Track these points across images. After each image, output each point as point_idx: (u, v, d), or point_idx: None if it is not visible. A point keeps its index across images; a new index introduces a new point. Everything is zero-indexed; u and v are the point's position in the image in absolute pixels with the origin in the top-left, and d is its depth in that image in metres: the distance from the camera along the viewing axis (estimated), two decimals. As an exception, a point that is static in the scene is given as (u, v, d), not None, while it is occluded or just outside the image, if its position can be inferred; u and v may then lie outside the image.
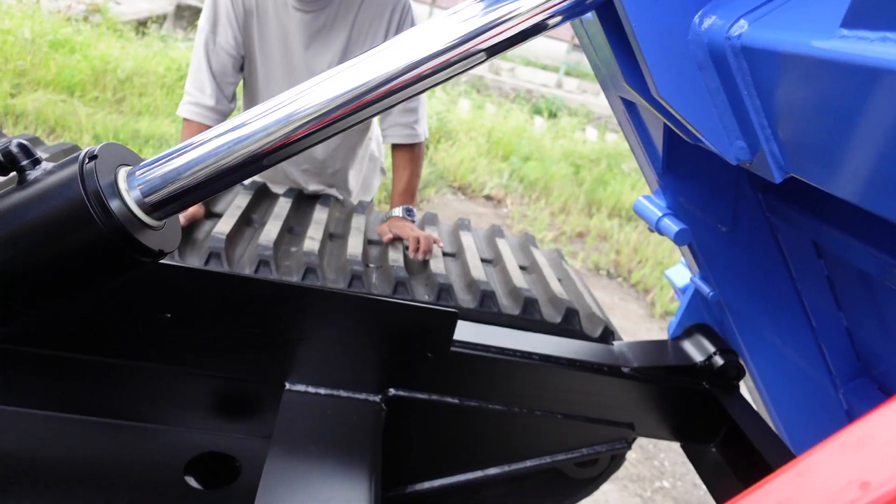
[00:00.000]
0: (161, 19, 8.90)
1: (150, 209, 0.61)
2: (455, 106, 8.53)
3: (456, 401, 1.21)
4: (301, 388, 1.18)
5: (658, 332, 4.48)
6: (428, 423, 1.23)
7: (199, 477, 1.21)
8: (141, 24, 8.13)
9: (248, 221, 1.47)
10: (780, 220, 1.03)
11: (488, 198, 6.14)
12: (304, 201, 1.67)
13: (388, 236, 1.54)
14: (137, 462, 1.18)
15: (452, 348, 1.16)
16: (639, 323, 4.57)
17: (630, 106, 1.05)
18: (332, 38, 1.63)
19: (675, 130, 0.72)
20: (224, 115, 1.66)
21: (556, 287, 1.46)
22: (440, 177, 6.04)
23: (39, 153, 0.63)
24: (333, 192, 1.85)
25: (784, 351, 1.22)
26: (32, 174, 0.60)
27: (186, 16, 9.39)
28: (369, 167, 2.00)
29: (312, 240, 1.38)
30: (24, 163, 0.60)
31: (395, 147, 1.77)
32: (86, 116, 4.79)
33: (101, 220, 0.57)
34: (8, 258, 0.58)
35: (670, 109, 0.62)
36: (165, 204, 0.61)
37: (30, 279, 0.59)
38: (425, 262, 1.47)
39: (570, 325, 1.36)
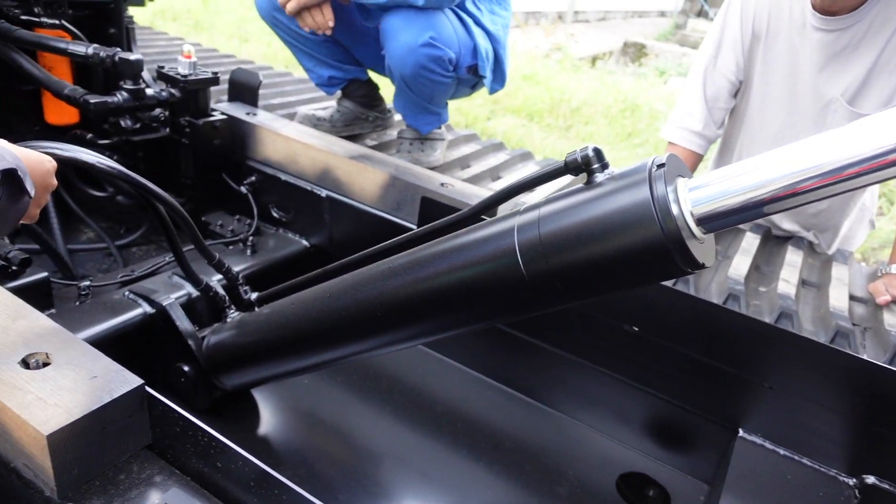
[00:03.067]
0: (608, 55, 9.57)
1: (698, 221, 0.62)
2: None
3: (967, 520, 0.94)
4: (756, 439, 1.08)
5: None
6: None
7: (623, 492, 1.21)
8: (594, 60, 8.89)
9: (711, 251, 1.43)
10: None
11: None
12: (771, 240, 1.54)
13: (884, 298, 1.29)
14: (576, 459, 1.25)
15: (978, 452, 0.91)
16: None
17: None
18: (855, 60, 1.44)
19: None
20: (709, 141, 1.63)
21: None
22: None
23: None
24: (809, 235, 1.64)
25: None
26: (600, 177, 0.67)
27: (630, 52, 9.89)
28: (857, 216, 1.71)
29: (786, 283, 1.25)
30: (595, 166, 0.68)
31: None
32: (539, 140, 5.44)
33: (662, 222, 0.60)
34: (569, 246, 0.66)
35: None
36: (714, 219, 0.62)
37: (583, 267, 0.66)
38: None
39: None
